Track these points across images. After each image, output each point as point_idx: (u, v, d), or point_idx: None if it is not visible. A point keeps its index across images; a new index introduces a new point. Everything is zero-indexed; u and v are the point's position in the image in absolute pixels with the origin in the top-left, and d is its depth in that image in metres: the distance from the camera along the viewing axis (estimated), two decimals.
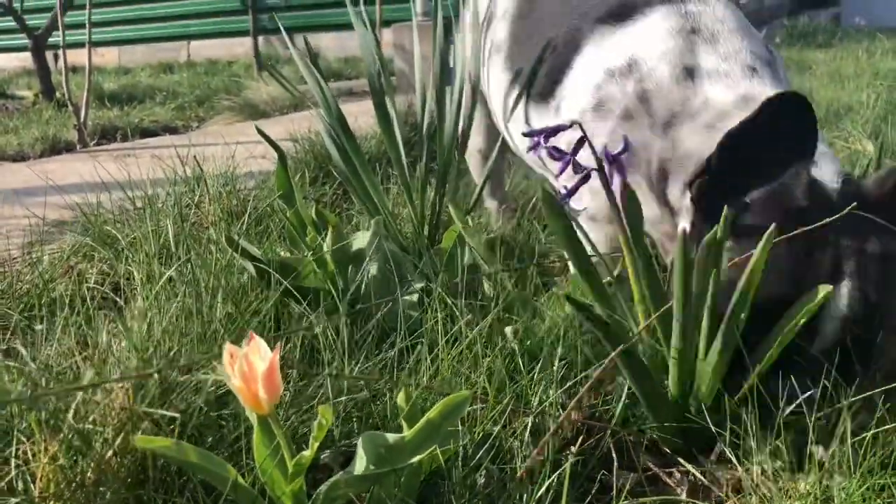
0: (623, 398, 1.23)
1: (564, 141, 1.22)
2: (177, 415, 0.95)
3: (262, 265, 1.37)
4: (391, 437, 0.89)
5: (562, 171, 1.22)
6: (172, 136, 4.58)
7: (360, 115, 3.15)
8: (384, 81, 1.88)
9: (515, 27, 1.76)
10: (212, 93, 6.01)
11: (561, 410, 1.24)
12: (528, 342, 1.37)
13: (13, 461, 0.96)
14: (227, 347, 0.88)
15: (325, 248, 1.47)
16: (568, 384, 1.27)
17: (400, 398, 0.96)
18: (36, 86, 6.40)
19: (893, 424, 1.06)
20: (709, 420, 1.18)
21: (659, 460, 1.22)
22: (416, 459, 0.88)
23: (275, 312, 1.33)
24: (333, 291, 1.40)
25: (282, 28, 1.97)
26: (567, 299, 1.09)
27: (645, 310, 1.24)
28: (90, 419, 0.98)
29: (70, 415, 0.98)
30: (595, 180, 1.22)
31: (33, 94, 6.39)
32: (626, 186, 1.22)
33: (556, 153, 1.22)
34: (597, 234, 1.51)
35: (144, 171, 2.74)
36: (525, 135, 1.23)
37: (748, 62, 1.40)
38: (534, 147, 1.22)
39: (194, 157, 2.17)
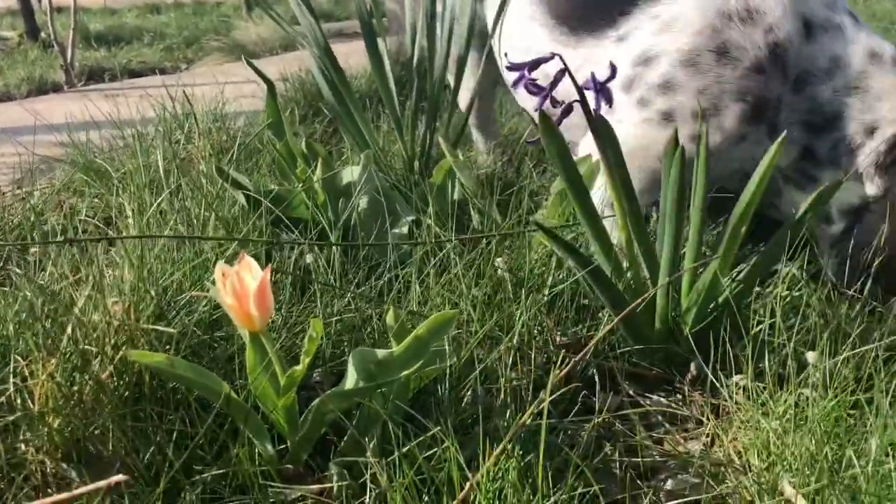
0: (605, 323, 1.26)
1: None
2: (172, 330, 0.98)
3: (252, 195, 1.38)
4: (380, 352, 0.92)
5: (540, 105, 1.22)
6: (162, 77, 4.53)
7: (351, 55, 3.12)
8: (375, 17, 1.87)
9: None
10: (200, 34, 5.93)
11: (547, 335, 1.27)
12: (519, 272, 1.39)
13: (11, 379, 0.98)
14: (219, 266, 0.90)
15: (315, 180, 1.48)
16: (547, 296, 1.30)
17: (389, 317, 0.98)
18: (20, 26, 6.29)
19: (868, 347, 1.09)
20: (693, 342, 1.21)
21: (641, 385, 1.26)
22: (404, 374, 0.90)
23: (268, 238, 1.34)
24: (324, 222, 1.42)
25: None
26: (537, 225, 1.11)
27: (627, 236, 1.26)
28: (88, 339, 1.00)
29: (67, 333, 1.00)
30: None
31: (17, 34, 6.28)
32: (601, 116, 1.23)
33: (534, 87, 1.21)
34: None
35: (134, 110, 2.72)
36: (509, 68, 1.22)
37: (846, 8, 1.45)
38: (518, 81, 1.21)
39: (184, 92, 2.15)
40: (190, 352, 1.06)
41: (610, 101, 1.22)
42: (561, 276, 1.39)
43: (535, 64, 1.22)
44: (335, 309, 1.14)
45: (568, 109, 1.22)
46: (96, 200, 1.86)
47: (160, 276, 1.17)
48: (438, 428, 0.89)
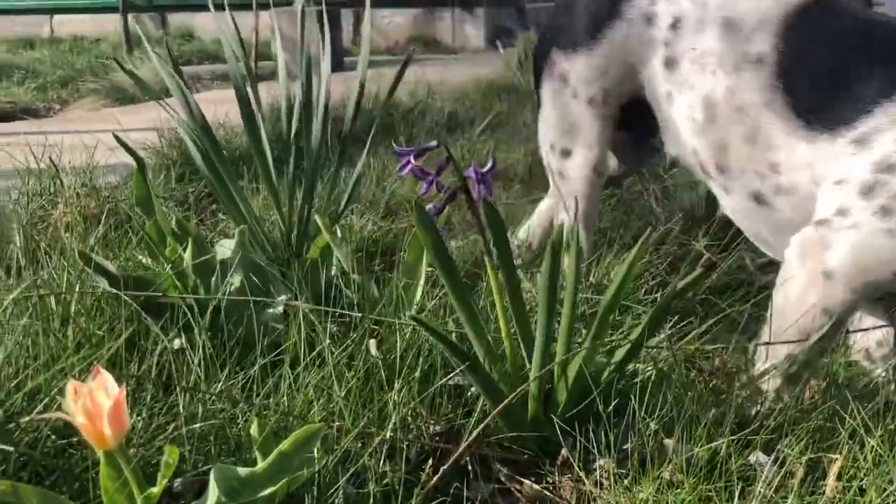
0: (478, 412, 1.28)
1: None
2: (8, 448, 0.92)
3: (118, 282, 1.34)
4: (243, 470, 0.90)
5: (425, 192, 1.26)
6: (31, 122, 4.33)
7: (231, 104, 3.04)
8: (250, 81, 1.85)
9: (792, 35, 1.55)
10: (77, 74, 5.72)
11: (420, 424, 1.28)
12: (391, 355, 1.39)
13: None
14: (71, 384, 0.86)
15: (185, 261, 1.44)
16: (429, 391, 1.31)
17: (253, 429, 0.96)
18: None
19: (725, 439, 1.14)
20: (563, 426, 1.24)
21: (514, 469, 1.28)
22: (267, 492, 0.89)
23: (131, 331, 1.29)
24: (195, 306, 1.38)
25: (153, 6, 1.90)
26: (414, 320, 1.12)
27: (506, 321, 1.29)
28: None
29: None
30: None
31: None
32: (486, 202, 1.27)
33: (420, 173, 1.26)
34: None
35: None
36: (396, 154, 1.26)
37: None
38: (403, 166, 1.25)
39: (50, 158, 2.06)
40: (43, 461, 1.00)
41: (490, 191, 1.26)
42: (434, 356, 1.40)
43: (421, 151, 1.27)
44: (199, 411, 1.11)
45: (451, 196, 1.27)
46: None
47: (13, 375, 1.11)
48: None
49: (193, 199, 2.31)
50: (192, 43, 7.83)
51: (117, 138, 1.55)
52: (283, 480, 0.89)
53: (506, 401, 1.13)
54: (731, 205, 1.66)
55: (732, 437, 1.15)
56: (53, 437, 1.05)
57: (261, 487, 0.89)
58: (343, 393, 1.21)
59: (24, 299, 1.29)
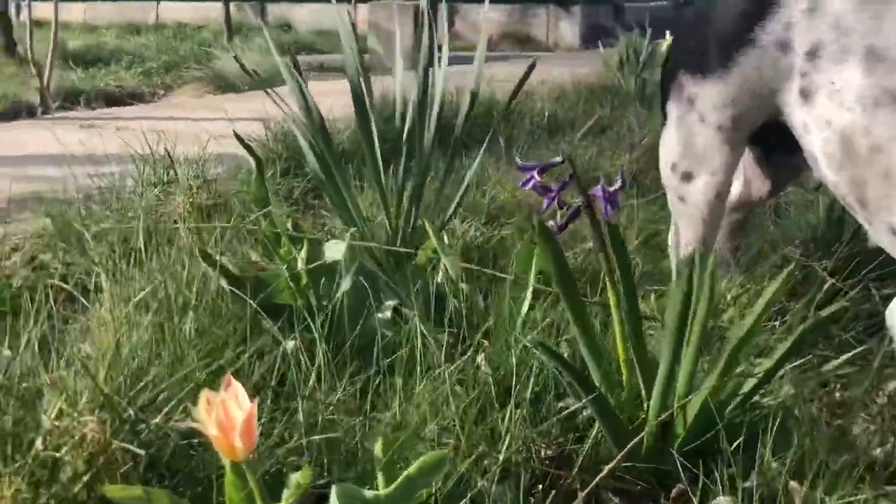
0: (591, 438, 1.24)
1: None
2: (141, 451, 0.93)
3: (236, 281, 1.35)
4: (368, 493, 0.88)
5: (547, 207, 1.25)
6: (138, 107, 4.47)
7: (332, 97, 3.03)
8: (363, 77, 1.84)
9: None
10: (180, 60, 5.89)
11: (532, 447, 1.25)
12: (501, 372, 1.37)
13: None
14: (204, 394, 0.86)
15: (299, 263, 1.45)
16: (548, 420, 1.28)
17: (377, 448, 0.95)
18: None
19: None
20: (683, 458, 1.19)
21: (627, 500, 1.23)
22: None
23: (261, 341, 1.30)
24: (313, 306, 1.38)
25: None
26: (540, 347, 1.09)
27: (625, 346, 1.25)
28: (59, 450, 0.95)
29: (38, 444, 0.95)
30: None
31: None
32: (610, 224, 1.24)
33: (542, 189, 1.25)
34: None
35: (108, 145, 2.66)
36: (520, 168, 1.25)
37: None
38: (527, 181, 1.25)
39: (165, 148, 2.11)
40: (166, 466, 1.02)
41: (615, 207, 1.24)
42: (545, 375, 1.37)
43: (545, 167, 1.26)
44: (318, 421, 1.10)
45: (575, 213, 1.26)
46: (68, 257, 1.81)
47: (137, 370, 1.13)
48: None
49: (299, 194, 2.33)
50: (290, 34, 7.97)
51: (238, 138, 1.57)
52: None
53: (631, 443, 1.09)
54: (875, 236, 1.57)
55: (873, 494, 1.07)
56: (177, 441, 1.06)
57: None
58: (457, 410, 1.19)
59: (149, 295, 1.31)
